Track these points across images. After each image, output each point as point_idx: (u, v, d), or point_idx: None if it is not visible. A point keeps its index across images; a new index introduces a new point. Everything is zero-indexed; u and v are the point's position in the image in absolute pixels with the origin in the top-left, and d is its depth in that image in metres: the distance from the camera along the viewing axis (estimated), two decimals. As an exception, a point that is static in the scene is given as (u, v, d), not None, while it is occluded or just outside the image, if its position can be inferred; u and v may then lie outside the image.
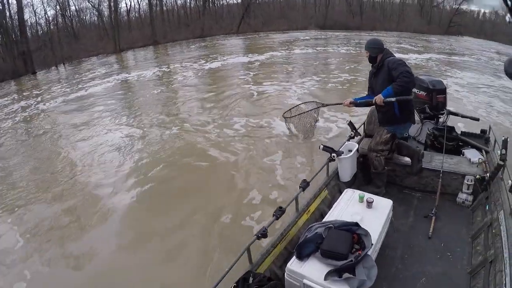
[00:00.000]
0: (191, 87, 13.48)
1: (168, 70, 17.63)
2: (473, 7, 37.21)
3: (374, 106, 4.05)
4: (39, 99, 13.83)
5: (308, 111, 5.05)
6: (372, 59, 3.88)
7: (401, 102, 3.69)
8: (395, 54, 3.87)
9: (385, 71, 3.73)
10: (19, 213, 5.41)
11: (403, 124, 3.95)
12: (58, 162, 7.30)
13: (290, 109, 5.34)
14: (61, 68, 21.80)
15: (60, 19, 27.90)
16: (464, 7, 36.24)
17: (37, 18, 25.76)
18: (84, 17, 30.38)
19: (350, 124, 4.43)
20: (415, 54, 20.13)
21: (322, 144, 4.01)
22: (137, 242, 4.51)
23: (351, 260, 2.36)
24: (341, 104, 4.28)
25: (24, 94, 15.34)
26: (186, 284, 3.85)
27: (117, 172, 6.54)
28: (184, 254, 4.26)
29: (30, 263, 4.29)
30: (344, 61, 17.66)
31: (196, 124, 8.98)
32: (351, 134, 4.39)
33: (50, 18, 26.77)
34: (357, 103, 4.12)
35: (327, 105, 4.91)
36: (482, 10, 37.32)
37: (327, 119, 8.23)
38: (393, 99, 3.62)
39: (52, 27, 26.80)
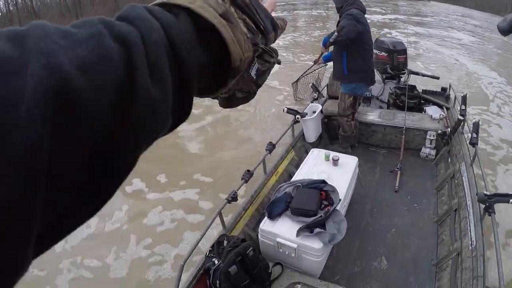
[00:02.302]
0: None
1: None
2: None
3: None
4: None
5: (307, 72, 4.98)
6: (338, 10, 3.83)
7: (349, 61, 3.79)
8: None
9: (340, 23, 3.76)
10: None
11: (356, 83, 3.97)
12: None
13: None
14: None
15: (19, -1, 26.43)
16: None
17: (-6, -1, 24.30)
18: (44, -6, 28.86)
19: (313, 86, 4.52)
20: (383, 15, 20.35)
21: (286, 107, 4.05)
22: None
23: (321, 216, 2.44)
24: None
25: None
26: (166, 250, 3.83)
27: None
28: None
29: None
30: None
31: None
32: (315, 96, 4.48)
33: (9, -2, 25.30)
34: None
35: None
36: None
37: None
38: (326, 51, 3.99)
39: (11, 8, 25.37)
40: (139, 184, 4.89)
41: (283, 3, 27.84)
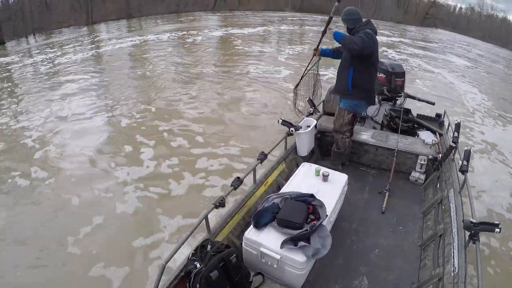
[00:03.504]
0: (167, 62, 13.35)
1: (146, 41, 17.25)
2: (450, 1, 37.95)
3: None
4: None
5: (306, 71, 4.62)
6: (349, 31, 3.74)
7: (354, 77, 3.74)
8: None
9: None
10: None
11: (358, 101, 3.95)
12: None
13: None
14: (31, 39, 20.83)
15: (32, -13, 26.50)
16: (441, 0, 36.87)
17: (7, -14, 24.37)
18: (57, -14, 28.95)
19: (310, 101, 4.50)
20: (389, 37, 21.03)
21: (281, 119, 4.06)
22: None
23: (306, 230, 2.46)
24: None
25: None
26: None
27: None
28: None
29: None
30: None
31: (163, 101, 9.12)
32: (310, 111, 4.48)
33: (21, -14, 25.37)
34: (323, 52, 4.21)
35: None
36: (459, 5, 38.12)
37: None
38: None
39: (24, -3, 25.46)
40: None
41: (295, 18, 28.27)
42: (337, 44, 3.79)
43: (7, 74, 12.12)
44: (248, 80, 11.01)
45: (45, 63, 13.56)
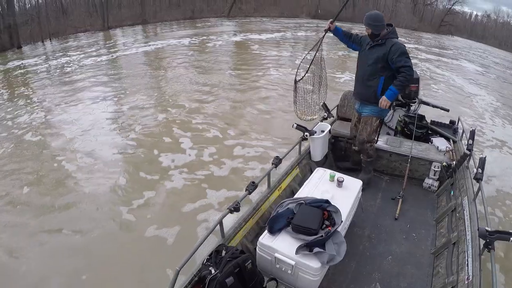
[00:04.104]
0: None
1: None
2: (466, 9, 37.64)
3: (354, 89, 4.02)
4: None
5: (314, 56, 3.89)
6: (373, 36, 3.58)
7: (385, 85, 3.61)
8: None
9: (384, 52, 3.50)
10: None
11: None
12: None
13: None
14: (47, 44, 21.25)
15: (49, -7, 27.04)
16: (456, 7, 36.61)
17: (25, -9, 24.91)
18: (74, -8, 29.49)
19: (324, 105, 4.37)
20: (408, 45, 20.50)
21: (295, 123, 3.98)
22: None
23: (321, 236, 2.44)
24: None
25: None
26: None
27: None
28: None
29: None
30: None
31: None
32: (325, 116, 4.41)
33: (39, -9, 25.91)
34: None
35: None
36: (475, 12, 37.82)
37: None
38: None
39: (40, 1, 25.99)
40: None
41: (312, 25, 28.35)
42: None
43: (33, 77, 12.47)
44: (269, 81, 11.58)
45: (71, 65, 13.98)
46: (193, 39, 20.08)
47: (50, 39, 22.67)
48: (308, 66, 3.84)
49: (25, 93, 10.45)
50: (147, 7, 31.16)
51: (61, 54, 16.53)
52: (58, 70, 13.21)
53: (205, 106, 9.04)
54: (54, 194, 5.17)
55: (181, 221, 4.55)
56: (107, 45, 19.01)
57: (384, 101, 3.52)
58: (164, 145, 6.80)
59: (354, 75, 4.02)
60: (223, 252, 2.36)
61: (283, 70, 13.00)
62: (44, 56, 16.44)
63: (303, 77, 3.88)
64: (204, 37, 20.49)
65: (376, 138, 4.07)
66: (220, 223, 2.56)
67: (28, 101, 9.69)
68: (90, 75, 12.14)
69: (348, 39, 3.94)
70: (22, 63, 14.80)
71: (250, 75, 12.28)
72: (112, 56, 15.72)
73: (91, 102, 9.39)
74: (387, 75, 3.61)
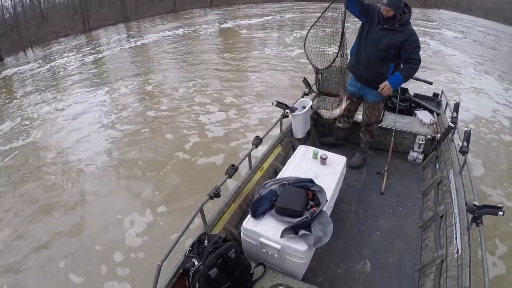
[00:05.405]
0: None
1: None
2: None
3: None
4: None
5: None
6: (392, 18, 3.19)
7: (393, 72, 3.41)
8: None
9: (401, 40, 3.20)
10: None
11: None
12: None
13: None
14: (29, 53, 20.89)
15: (27, 0, 26.50)
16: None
17: (2, 1, 24.39)
18: (52, -4, 28.93)
19: (305, 80, 4.27)
20: None
21: (275, 100, 3.86)
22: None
23: (307, 217, 2.36)
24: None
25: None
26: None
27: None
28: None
29: None
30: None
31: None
32: (306, 91, 4.29)
33: (17, -1, 25.37)
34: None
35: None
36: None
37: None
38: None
39: (19, 10, 25.45)
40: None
41: (298, 7, 28.12)
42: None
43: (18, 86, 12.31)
44: (266, 59, 11.91)
45: (57, 70, 13.79)
46: (179, 30, 19.82)
47: (31, 48, 22.29)
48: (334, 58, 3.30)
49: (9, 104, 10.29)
50: (128, 4, 30.67)
51: (43, 61, 16.30)
52: (43, 78, 12.97)
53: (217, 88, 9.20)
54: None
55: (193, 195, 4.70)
56: (90, 47, 18.72)
57: (387, 88, 3.34)
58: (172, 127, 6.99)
59: (351, 50, 3.58)
60: (205, 242, 2.26)
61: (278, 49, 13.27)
62: (28, 65, 16.21)
63: (330, 65, 3.40)
64: (192, 28, 20.26)
65: (381, 118, 3.99)
66: (201, 210, 2.45)
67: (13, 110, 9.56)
68: (76, 80, 11.89)
69: (356, 8, 3.25)
70: (6, 75, 14.56)
71: (248, 57, 12.49)
72: (96, 56, 15.46)
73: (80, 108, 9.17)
74: (397, 62, 3.43)
